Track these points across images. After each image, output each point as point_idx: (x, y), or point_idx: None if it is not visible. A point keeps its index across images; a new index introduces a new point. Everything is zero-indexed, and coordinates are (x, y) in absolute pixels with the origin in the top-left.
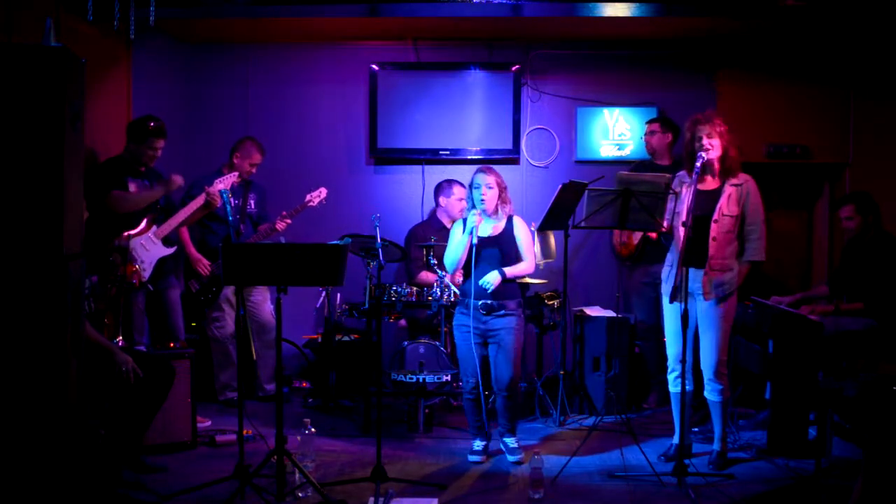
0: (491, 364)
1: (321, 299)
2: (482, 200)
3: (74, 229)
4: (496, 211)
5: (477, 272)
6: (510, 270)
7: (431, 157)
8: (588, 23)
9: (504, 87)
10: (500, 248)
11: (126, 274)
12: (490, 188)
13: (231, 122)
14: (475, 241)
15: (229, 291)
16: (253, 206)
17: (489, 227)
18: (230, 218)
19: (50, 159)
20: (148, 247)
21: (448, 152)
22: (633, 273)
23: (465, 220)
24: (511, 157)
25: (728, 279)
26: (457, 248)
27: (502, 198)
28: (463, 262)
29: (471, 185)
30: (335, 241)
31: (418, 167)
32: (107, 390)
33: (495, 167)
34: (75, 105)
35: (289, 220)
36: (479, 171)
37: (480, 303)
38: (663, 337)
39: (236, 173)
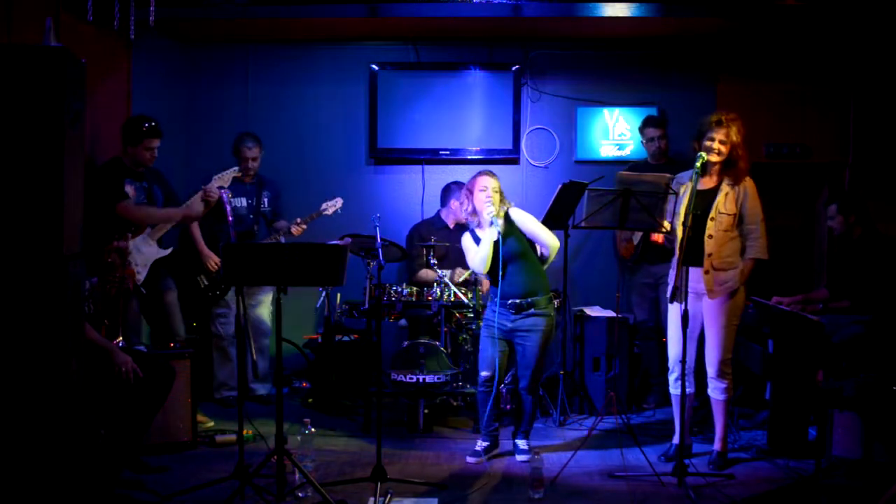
0: (517, 362)
1: (321, 299)
2: (489, 204)
3: (74, 229)
4: (498, 213)
5: (504, 271)
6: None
7: (431, 157)
8: (588, 23)
9: (504, 87)
10: (515, 241)
11: (124, 276)
12: (496, 192)
13: (231, 122)
14: (499, 229)
15: None
16: (266, 205)
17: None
18: (229, 218)
19: (50, 159)
20: (143, 249)
21: (448, 152)
22: (634, 273)
23: (471, 231)
24: (511, 157)
25: (731, 276)
26: (480, 246)
27: (503, 201)
28: (489, 257)
29: (474, 189)
30: (335, 241)
31: (418, 167)
32: (107, 390)
33: (495, 168)
34: (75, 105)
35: (304, 227)
36: (485, 174)
37: (510, 302)
38: (664, 337)
39: (235, 168)
